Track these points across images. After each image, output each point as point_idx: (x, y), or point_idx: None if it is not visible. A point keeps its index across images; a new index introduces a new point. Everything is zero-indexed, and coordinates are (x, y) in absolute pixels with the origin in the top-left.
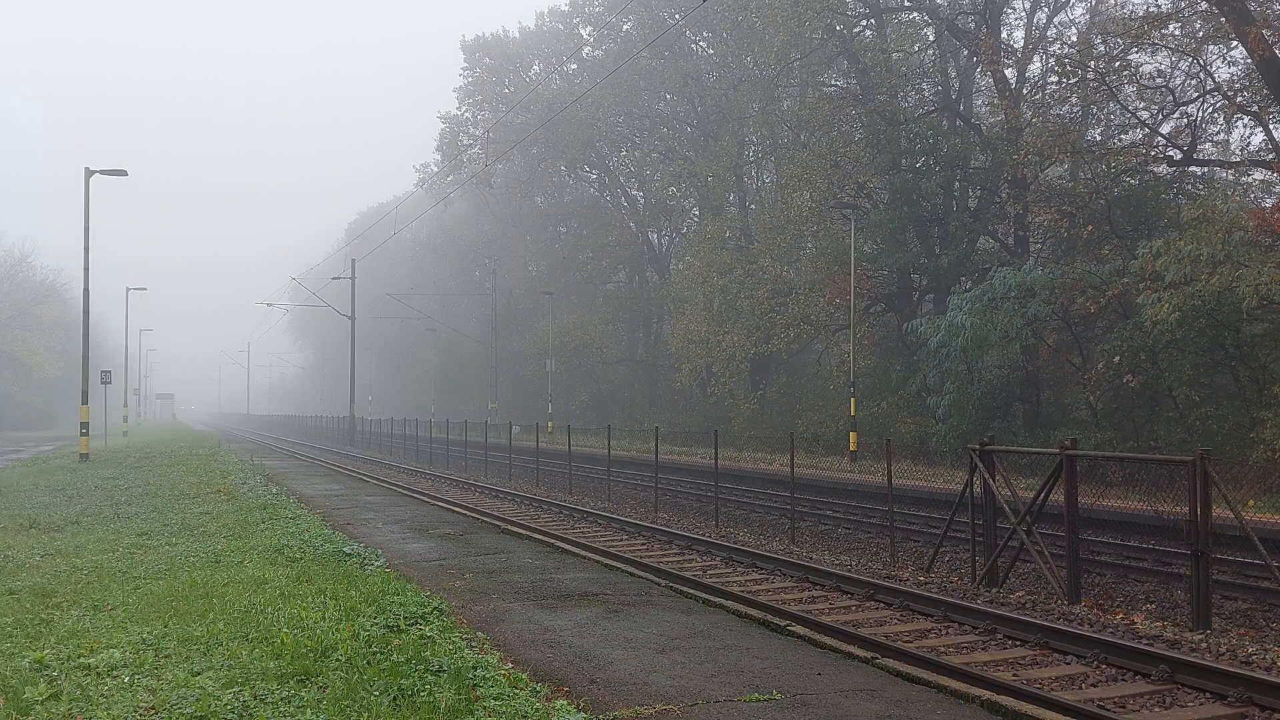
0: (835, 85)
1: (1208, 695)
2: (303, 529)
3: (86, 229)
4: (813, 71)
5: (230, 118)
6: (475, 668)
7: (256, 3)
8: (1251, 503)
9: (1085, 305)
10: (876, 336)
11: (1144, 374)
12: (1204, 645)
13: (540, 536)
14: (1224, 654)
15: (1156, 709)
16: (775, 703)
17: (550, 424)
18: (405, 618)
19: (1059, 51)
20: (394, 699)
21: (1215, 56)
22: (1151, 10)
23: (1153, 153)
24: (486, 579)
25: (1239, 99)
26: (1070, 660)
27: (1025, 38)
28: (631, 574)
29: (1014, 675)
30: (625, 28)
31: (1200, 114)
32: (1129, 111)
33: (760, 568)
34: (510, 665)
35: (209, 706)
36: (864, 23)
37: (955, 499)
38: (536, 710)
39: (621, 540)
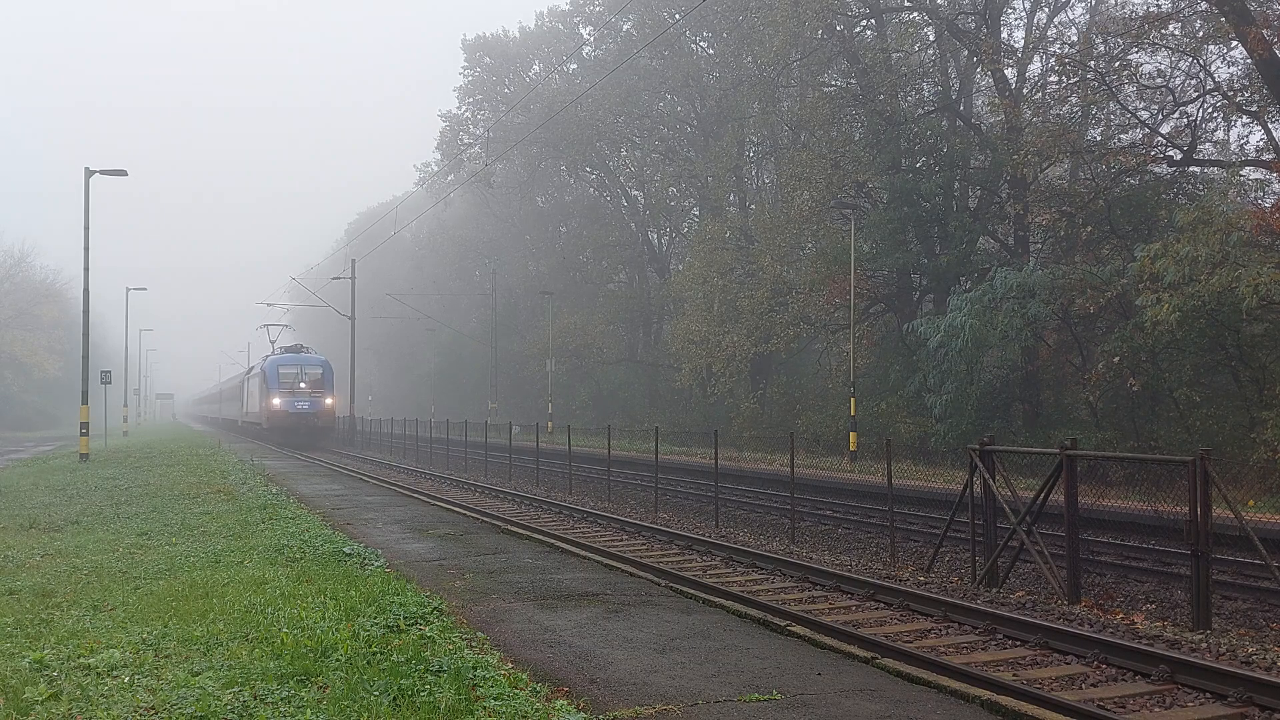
0: (835, 85)
1: (1208, 695)
2: (303, 529)
3: (86, 229)
4: (813, 71)
5: (230, 118)
6: (475, 668)
7: (256, 3)
8: (1251, 503)
9: (1085, 305)
10: (876, 336)
11: (1144, 374)
12: (1204, 645)
13: (540, 536)
14: (1224, 654)
15: (1156, 709)
16: (775, 703)
17: (550, 424)
18: (405, 618)
19: (1059, 51)
20: (394, 699)
21: (1215, 56)
22: (1151, 10)
23: (1153, 153)
24: (486, 579)
25: (1239, 99)
26: (1070, 660)
27: (1025, 38)
28: (631, 574)
29: (1014, 675)
30: (625, 28)
31: (1200, 114)
32: (1129, 111)
33: (760, 568)
34: (510, 665)
35: (209, 706)
36: (864, 23)
37: (955, 499)
38: (536, 710)
39: (621, 540)
